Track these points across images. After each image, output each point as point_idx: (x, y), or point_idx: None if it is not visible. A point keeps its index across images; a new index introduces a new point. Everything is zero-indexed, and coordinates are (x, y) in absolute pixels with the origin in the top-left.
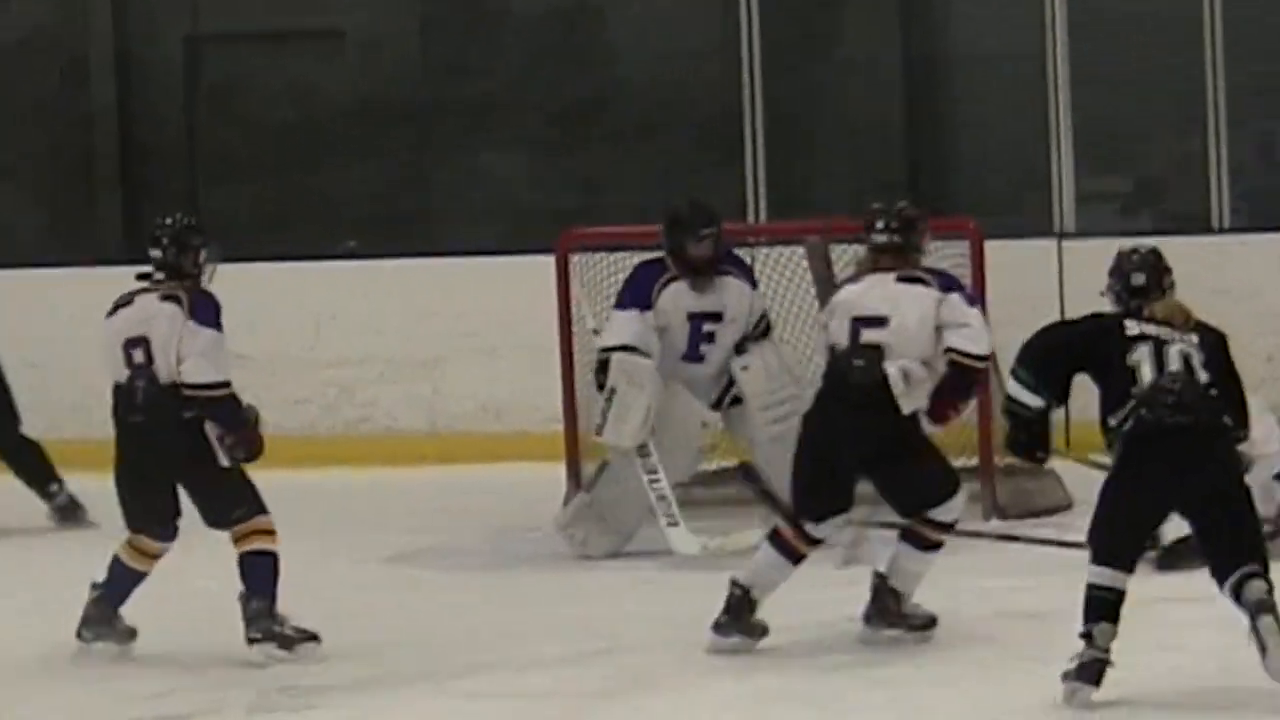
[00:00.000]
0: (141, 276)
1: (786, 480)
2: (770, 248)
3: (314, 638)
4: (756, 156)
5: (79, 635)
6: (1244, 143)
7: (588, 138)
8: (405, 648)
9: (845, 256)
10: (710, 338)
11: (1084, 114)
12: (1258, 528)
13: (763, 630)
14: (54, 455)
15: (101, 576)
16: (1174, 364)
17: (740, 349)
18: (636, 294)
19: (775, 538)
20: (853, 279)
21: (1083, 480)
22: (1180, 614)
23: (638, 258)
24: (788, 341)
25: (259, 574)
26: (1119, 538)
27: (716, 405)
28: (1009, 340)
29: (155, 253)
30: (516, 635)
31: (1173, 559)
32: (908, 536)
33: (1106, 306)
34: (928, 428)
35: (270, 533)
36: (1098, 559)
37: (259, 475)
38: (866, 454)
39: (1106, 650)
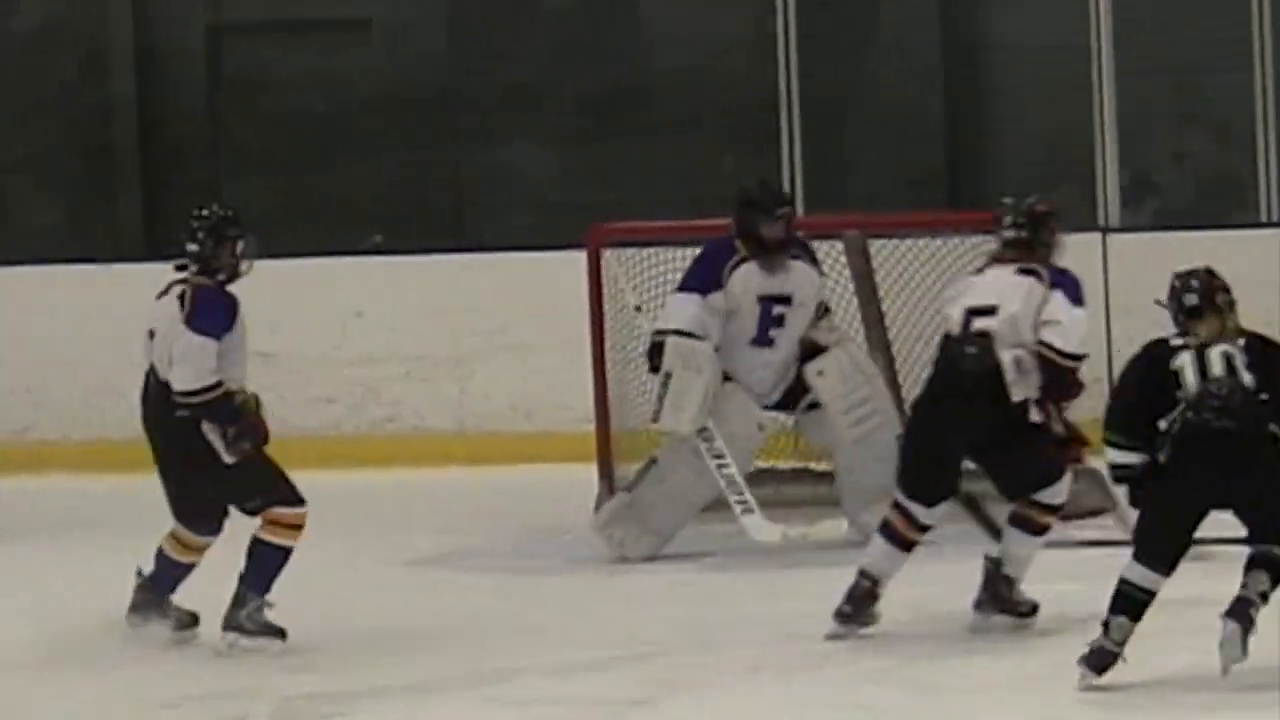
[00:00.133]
0: (180, 267)
1: (870, 478)
2: (807, 241)
3: (281, 634)
4: (792, 148)
5: (128, 620)
6: None
7: (620, 129)
8: (432, 653)
9: (884, 251)
10: (779, 321)
11: (1128, 105)
12: None
13: (876, 620)
14: (68, 454)
15: (148, 567)
16: (1216, 367)
17: (809, 351)
18: (703, 277)
19: (886, 528)
20: (979, 270)
21: None
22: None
23: (671, 253)
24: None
25: (255, 564)
26: (1160, 538)
27: (781, 405)
28: None
29: (191, 246)
30: (547, 641)
31: None
32: (1016, 521)
33: (1148, 305)
34: (1036, 417)
35: (288, 526)
36: (1137, 556)
37: None
38: (976, 441)
39: (1119, 644)
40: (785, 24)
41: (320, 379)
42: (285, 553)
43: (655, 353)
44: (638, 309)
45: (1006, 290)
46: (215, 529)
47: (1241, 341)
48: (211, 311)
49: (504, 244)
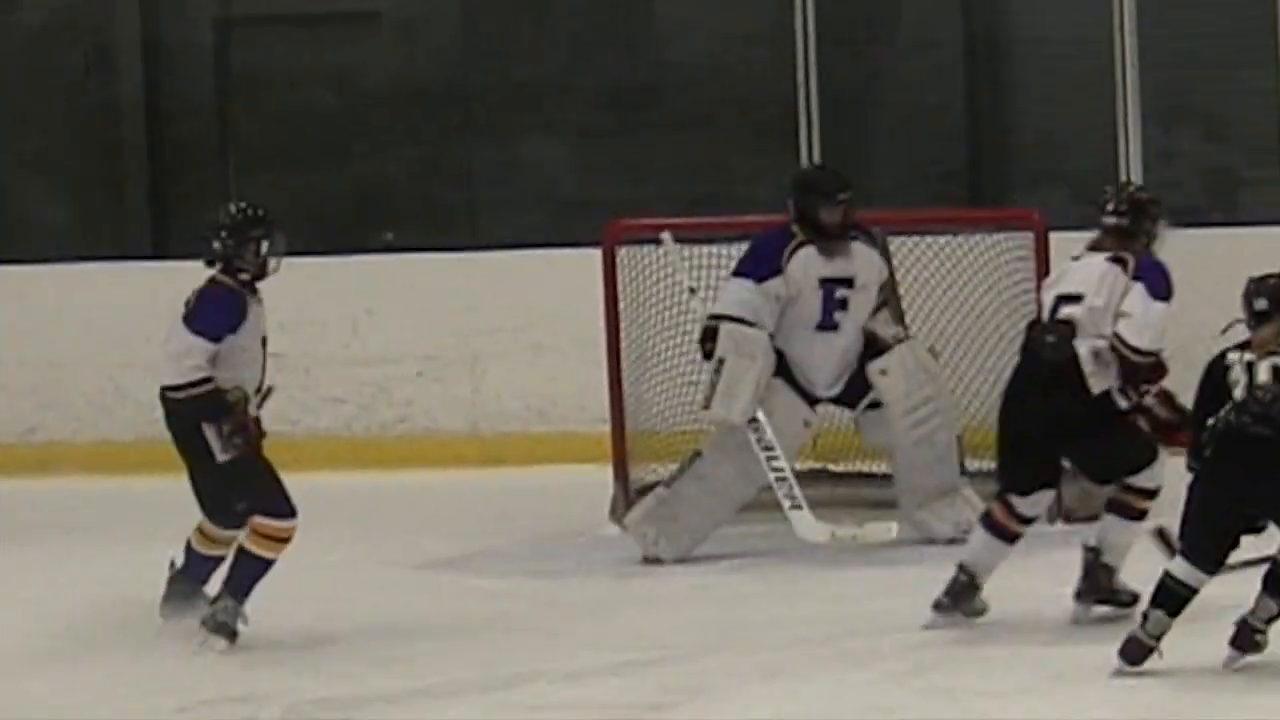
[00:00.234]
0: (209, 263)
1: (929, 479)
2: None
3: (231, 636)
4: (812, 143)
5: (160, 611)
6: None
7: (637, 125)
8: (444, 658)
9: (905, 249)
10: (843, 304)
11: (1153, 98)
12: None
13: (983, 610)
14: (80, 455)
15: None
16: (1263, 375)
17: (870, 345)
18: (758, 262)
19: (987, 519)
20: (1076, 257)
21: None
22: None
23: (695, 250)
24: None
25: (235, 570)
26: (1204, 534)
27: (841, 399)
28: None
29: (215, 244)
30: (561, 644)
31: None
32: (1114, 507)
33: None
34: (1122, 404)
35: (271, 538)
36: (1182, 552)
37: (293, 478)
38: (1059, 431)
39: (1155, 638)
40: (805, 18)
41: (331, 379)
42: (265, 564)
43: (708, 338)
44: (692, 290)
45: (1093, 279)
46: (238, 523)
47: None
48: (211, 312)
49: (517, 242)
